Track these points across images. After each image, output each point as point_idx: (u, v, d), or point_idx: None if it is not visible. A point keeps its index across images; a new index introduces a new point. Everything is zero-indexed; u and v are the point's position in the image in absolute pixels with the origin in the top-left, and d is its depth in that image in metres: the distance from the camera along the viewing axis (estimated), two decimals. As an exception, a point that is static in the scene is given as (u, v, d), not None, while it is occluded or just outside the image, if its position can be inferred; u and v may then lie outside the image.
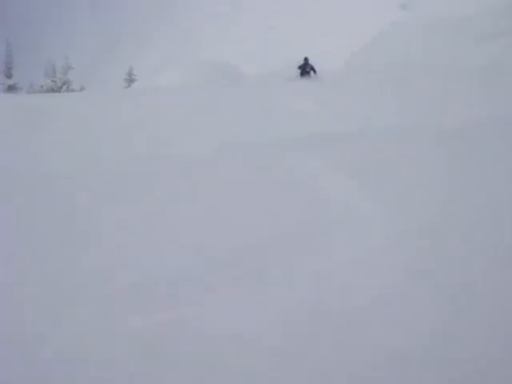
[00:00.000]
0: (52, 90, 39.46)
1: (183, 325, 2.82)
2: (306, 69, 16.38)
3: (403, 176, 4.88)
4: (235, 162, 5.79)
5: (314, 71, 16.41)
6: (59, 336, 2.81)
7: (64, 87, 41.28)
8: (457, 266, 3.17)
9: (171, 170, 5.64)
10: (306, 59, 16.44)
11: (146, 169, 5.77)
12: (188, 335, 2.73)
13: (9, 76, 41.76)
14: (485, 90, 10.00)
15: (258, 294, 3.08)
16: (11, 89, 39.94)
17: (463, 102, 9.03)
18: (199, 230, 4.01)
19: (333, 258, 3.43)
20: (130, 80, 47.91)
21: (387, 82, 12.23)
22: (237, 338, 2.66)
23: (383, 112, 8.85)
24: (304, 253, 3.52)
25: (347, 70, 18.38)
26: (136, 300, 3.09)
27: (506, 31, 16.33)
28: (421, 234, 3.65)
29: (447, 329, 2.64)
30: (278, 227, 3.97)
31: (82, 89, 39.70)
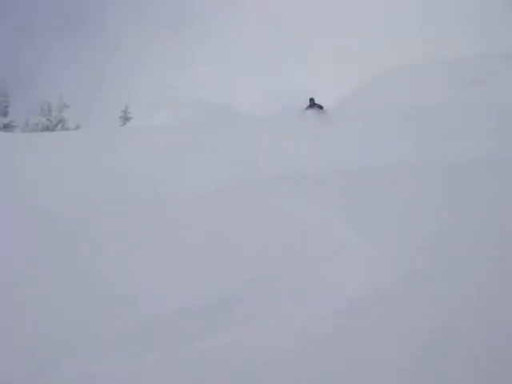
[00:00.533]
0: (47, 129, 39.74)
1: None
2: (312, 108, 16.76)
3: (399, 213, 4.96)
4: (231, 201, 5.90)
5: (321, 107, 16.69)
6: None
7: (59, 125, 41.59)
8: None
9: (167, 208, 5.76)
10: (311, 100, 16.86)
11: (142, 206, 5.89)
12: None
13: (4, 114, 42.09)
14: (469, 129, 10.27)
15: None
16: (6, 127, 40.22)
17: (450, 140, 9.27)
18: (190, 271, 4.09)
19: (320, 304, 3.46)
20: (126, 118, 48.24)
21: (382, 122, 12.49)
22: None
23: (379, 151, 9.02)
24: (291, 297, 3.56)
25: (342, 110, 18.69)
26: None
27: (490, 75, 16.82)
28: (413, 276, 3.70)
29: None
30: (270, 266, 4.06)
31: (77, 127, 39.98)
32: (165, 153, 10.22)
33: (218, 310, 3.42)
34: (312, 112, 15.79)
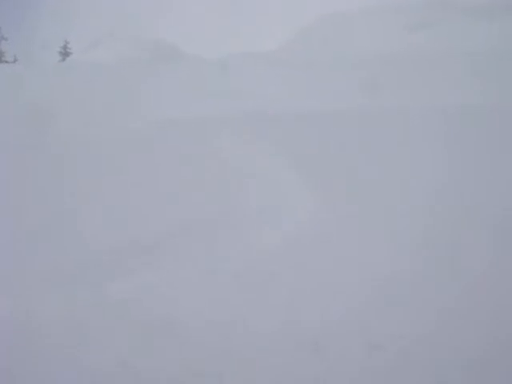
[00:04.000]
0: (-16, 61, 37.65)
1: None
2: None
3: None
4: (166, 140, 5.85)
5: None
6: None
7: (-3, 58, 39.50)
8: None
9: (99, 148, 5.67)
10: None
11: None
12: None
13: None
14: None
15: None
16: None
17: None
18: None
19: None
20: (65, 54, 46.43)
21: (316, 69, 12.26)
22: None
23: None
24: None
25: (284, 55, 18.15)
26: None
27: (430, 23, 16.80)
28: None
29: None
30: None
31: (15, 60, 38.23)
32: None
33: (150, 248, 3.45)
34: None
